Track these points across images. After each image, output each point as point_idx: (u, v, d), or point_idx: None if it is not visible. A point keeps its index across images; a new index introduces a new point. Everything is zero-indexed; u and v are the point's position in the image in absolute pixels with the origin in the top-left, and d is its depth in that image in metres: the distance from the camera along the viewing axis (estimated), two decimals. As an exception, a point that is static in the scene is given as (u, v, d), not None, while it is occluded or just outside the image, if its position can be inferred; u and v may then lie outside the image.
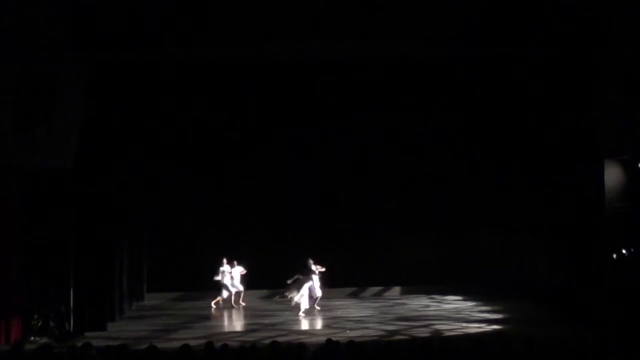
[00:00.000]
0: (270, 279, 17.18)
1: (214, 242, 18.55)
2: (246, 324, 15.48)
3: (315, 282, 16.86)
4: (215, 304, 17.58)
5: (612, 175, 14.27)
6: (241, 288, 17.72)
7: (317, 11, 12.31)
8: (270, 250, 17.53)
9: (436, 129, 16.21)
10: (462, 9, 12.65)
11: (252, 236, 18.09)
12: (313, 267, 16.54)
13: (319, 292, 17.09)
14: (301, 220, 18.07)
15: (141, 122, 15.05)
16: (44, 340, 12.51)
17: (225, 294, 17.59)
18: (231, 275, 17.58)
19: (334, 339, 8.77)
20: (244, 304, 17.82)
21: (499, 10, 12.71)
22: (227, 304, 17.68)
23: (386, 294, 19.53)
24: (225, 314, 17.08)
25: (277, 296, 17.25)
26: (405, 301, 18.48)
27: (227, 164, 17.33)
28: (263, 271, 17.75)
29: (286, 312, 16.58)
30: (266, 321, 15.59)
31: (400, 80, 14.57)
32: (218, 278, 17.49)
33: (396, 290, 19.63)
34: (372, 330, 14.20)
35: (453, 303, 17.93)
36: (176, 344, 9.98)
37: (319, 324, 15.27)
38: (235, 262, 17.62)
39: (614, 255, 13.97)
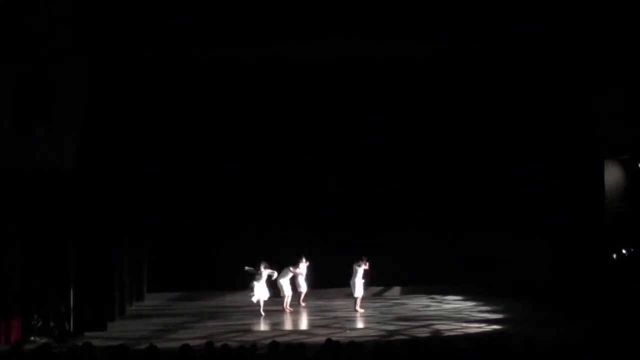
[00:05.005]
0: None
1: (214, 242, 18.55)
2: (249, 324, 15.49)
3: (299, 277, 17.24)
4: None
5: (612, 175, 14.26)
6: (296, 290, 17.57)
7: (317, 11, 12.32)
8: (270, 252, 17.49)
9: (438, 129, 16.22)
10: (463, 10, 12.67)
11: (252, 237, 18.06)
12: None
13: (304, 287, 17.39)
14: (301, 221, 18.06)
15: (141, 122, 15.06)
16: (44, 340, 12.51)
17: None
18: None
19: (334, 339, 8.76)
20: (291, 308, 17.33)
21: (498, 11, 12.72)
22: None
23: (386, 294, 19.53)
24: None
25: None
26: (405, 301, 18.48)
27: (228, 164, 17.33)
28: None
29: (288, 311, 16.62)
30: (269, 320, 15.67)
31: (400, 80, 14.57)
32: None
33: (396, 290, 19.63)
34: (372, 330, 14.19)
35: (453, 303, 17.92)
36: (176, 344, 9.97)
37: (318, 324, 15.23)
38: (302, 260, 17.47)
39: (614, 255, 13.96)
